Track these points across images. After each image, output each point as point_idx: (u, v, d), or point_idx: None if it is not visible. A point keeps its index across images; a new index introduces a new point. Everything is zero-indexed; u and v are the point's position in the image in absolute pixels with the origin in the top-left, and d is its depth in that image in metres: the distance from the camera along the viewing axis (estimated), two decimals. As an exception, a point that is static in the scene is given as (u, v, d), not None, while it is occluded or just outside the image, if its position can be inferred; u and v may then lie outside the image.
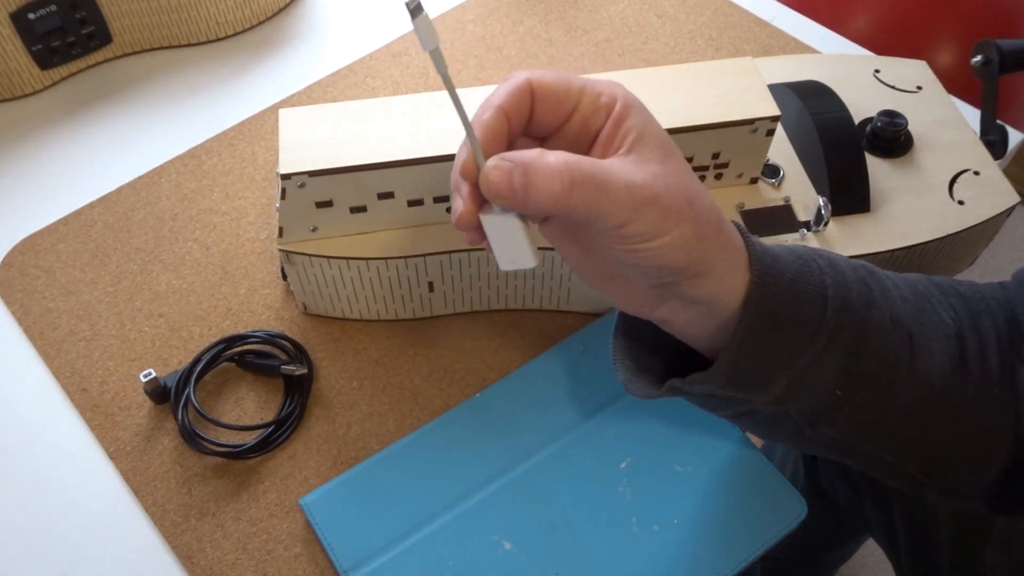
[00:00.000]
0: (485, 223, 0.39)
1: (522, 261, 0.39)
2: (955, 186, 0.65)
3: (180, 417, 0.60)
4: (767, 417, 0.42)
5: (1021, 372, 0.42)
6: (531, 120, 0.38)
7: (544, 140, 0.40)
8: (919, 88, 0.72)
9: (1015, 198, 0.64)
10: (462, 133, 0.36)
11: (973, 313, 0.44)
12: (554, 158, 0.35)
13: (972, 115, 0.78)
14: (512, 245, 0.39)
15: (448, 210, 0.60)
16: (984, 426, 0.42)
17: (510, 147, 0.38)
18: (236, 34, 0.88)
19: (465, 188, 0.38)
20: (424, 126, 0.57)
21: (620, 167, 0.36)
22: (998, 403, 0.42)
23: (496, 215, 0.38)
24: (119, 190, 0.75)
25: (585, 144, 0.39)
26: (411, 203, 0.59)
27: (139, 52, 0.86)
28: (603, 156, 0.38)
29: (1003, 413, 0.42)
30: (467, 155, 0.37)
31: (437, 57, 0.35)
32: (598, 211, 0.35)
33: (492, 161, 0.36)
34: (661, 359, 0.45)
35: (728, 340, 0.39)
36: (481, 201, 0.38)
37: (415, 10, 0.34)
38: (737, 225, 0.41)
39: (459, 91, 0.60)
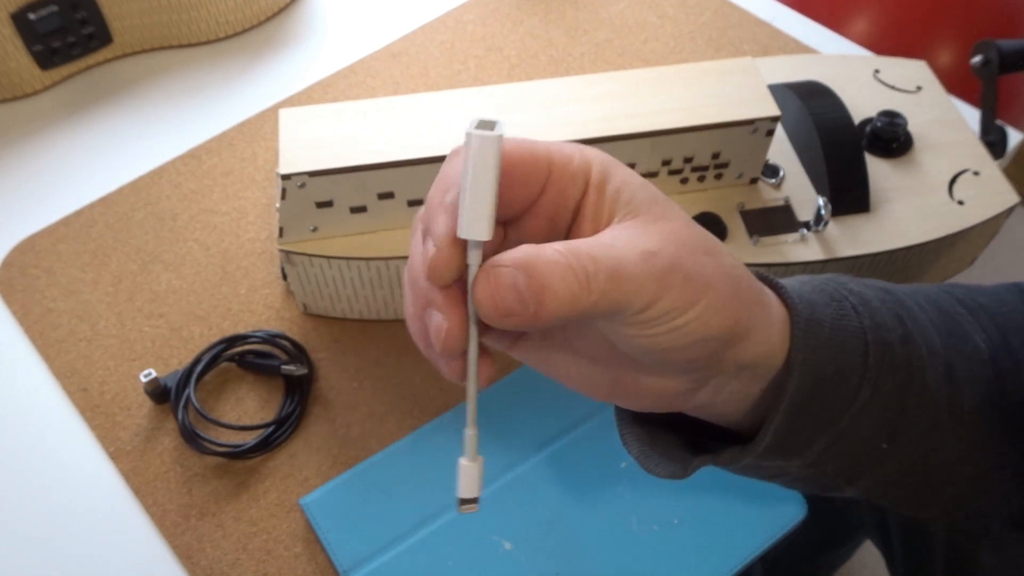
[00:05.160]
0: None
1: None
2: (955, 186, 0.65)
3: (180, 417, 0.60)
4: (798, 478, 0.38)
5: None
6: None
7: (510, 225, 0.32)
8: (919, 88, 0.72)
9: (1015, 198, 0.64)
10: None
11: (1002, 331, 0.40)
12: (553, 251, 0.28)
13: (972, 115, 0.78)
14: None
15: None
16: (1018, 454, 0.39)
17: None
18: (236, 34, 0.88)
19: (442, 298, 0.29)
20: (424, 126, 0.57)
21: (627, 239, 0.29)
22: None
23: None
24: (119, 190, 0.75)
25: (565, 222, 0.32)
26: (411, 203, 0.59)
27: (139, 52, 0.86)
28: (596, 229, 0.31)
29: None
30: (438, 256, 0.28)
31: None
32: (622, 299, 0.28)
33: (484, 277, 0.28)
34: (675, 426, 0.39)
35: (773, 408, 0.33)
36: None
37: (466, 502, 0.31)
38: (760, 274, 0.35)
39: (458, 91, 0.60)
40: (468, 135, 0.27)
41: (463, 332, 0.29)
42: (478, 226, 0.28)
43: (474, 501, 0.31)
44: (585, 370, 0.34)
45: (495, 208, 0.28)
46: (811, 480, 0.38)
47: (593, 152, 0.32)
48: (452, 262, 0.29)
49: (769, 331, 0.33)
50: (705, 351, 0.31)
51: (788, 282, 0.35)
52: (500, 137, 0.27)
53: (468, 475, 0.31)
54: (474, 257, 0.28)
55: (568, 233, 0.32)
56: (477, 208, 0.27)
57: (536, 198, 0.31)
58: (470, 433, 0.31)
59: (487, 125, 0.27)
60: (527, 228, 0.32)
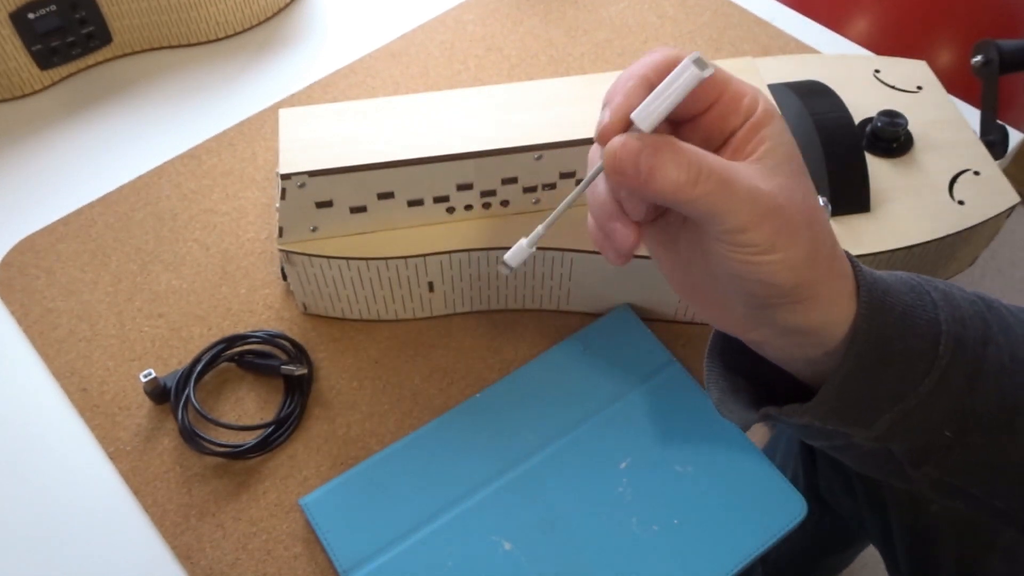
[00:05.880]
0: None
1: None
2: (955, 186, 0.65)
3: (180, 417, 0.60)
4: (866, 452, 0.40)
5: None
6: None
7: (676, 127, 0.38)
8: (919, 88, 0.72)
9: (1015, 198, 0.64)
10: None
11: None
12: (682, 145, 0.34)
13: (972, 115, 0.78)
14: None
15: (448, 210, 0.60)
16: None
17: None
18: (236, 34, 0.88)
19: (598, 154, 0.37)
20: (424, 126, 0.57)
21: (748, 171, 0.35)
22: None
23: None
24: (119, 190, 0.75)
25: (717, 142, 0.37)
26: (411, 203, 0.59)
27: (139, 52, 0.86)
28: (733, 158, 0.36)
29: None
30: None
31: (537, 239, 0.38)
32: (719, 209, 0.34)
33: (621, 137, 0.34)
34: (757, 382, 0.43)
35: (833, 372, 0.37)
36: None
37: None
38: (846, 253, 0.39)
39: (458, 91, 0.60)
40: (687, 66, 0.34)
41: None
42: (647, 121, 0.34)
43: (510, 268, 0.38)
44: (679, 270, 0.40)
45: (665, 116, 0.34)
46: (878, 457, 0.40)
47: (764, 99, 0.37)
48: (615, 130, 0.35)
49: (831, 306, 0.37)
50: (764, 293, 0.36)
51: (877, 272, 0.39)
52: (704, 78, 0.34)
53: (519, 249, 0.38)
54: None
55: (716, 152, 0.37)
56: (655, 110, 0.34)
57: (702, 112, 0.37)
58: (540, 229, 0.38)
59: (701, 64, 0.34)
60: (686, 138, 0.37)
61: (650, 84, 0.35)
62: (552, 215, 0.37)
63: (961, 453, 0.39)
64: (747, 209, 0.34)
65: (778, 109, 0.37)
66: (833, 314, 0.37)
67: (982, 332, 0.38)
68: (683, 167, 0.33)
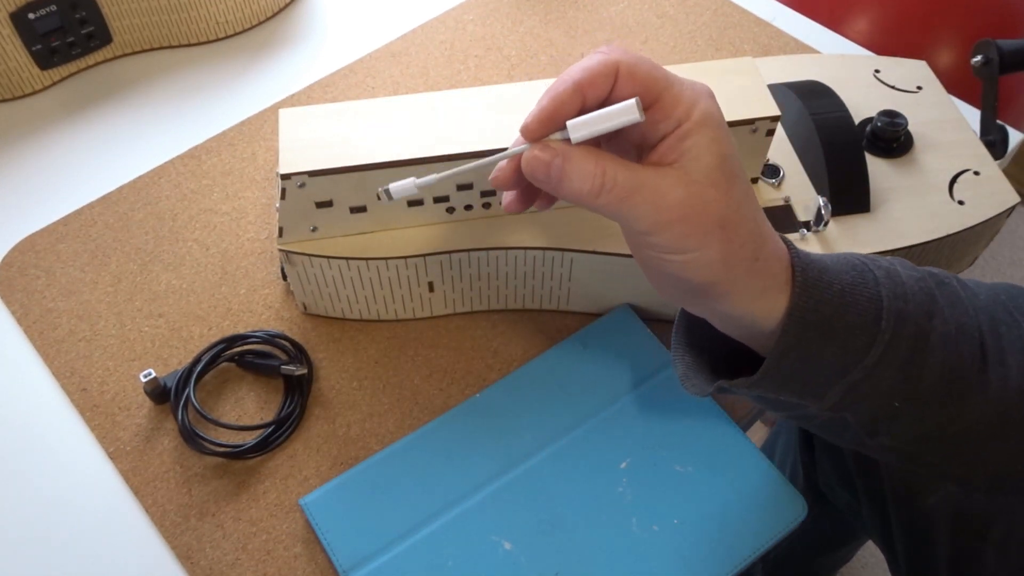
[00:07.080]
0: None
1: None
2: (955, 186, 0.65)
3: (180, 417, 0.60)
4: (825, 422, 0.42)
5: None
6: (607, 99, 0.39)
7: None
8: (919, 88, 0.72)
9: (1015, 198, 0.64)
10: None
11: None
12: (592, 159, 0.37)
13: (972, 115, 0.78)
14: None
15: (447, 210, 0.60)
16: None
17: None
18: (236, 34, 0.88)
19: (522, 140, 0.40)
20: (424, 126, 0.57)
21: (659, 180, 0.37)
22: None
23: None
24: (119, 190, 0.75)
25: (652, 143, 0.39)
26: (411, 203, 0.59)
27: (139, 52, 0.86)
28: (659, 162, 0.38)
29: None
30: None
31: (426, 185, 0.41)
32: (623, 216, 0.37)
33: (537, 147, 0.38)
34: (719, 356, 0.46)
35: (772, 348, 0.39)
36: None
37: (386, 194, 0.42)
38: (785, 240, 0.41)
39: (458, 91, 0.60)
40: (631, 108, 0.37)
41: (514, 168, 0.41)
42: (577, 134, 0.38)
43: (390, 198, 0.42)
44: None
45: (595, 137, 0.38)
46: (836, 426, 0.42)
47: (702, 106, 0.38)
48: (533, 129, 0.38)
49: (757, 299, 0.39)
50: (681, 286, 0.40)
51: (821, 255, 0.41)
52: (638, 121, 0.37)
53: (406, 185, 0.42)
54: (556, 135, 0.39)
55: (642, 149, 0.40)
56: (589, 131, 0.38)
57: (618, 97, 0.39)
58: (436, 177, 0.42)
59: (641, 111, 0.37)
60: (623, 138, 0.40)
61: (582, 90, 0.37)
62: (460, 169, 0.40)
63: (911, 422, 0.40)
64: (650, 217, 0.37)
65: (718, 116, 0.39)
66: (760, 308, 0.39)
67: (927, 306, 0.39)
68: (587, 179, 0.37)
